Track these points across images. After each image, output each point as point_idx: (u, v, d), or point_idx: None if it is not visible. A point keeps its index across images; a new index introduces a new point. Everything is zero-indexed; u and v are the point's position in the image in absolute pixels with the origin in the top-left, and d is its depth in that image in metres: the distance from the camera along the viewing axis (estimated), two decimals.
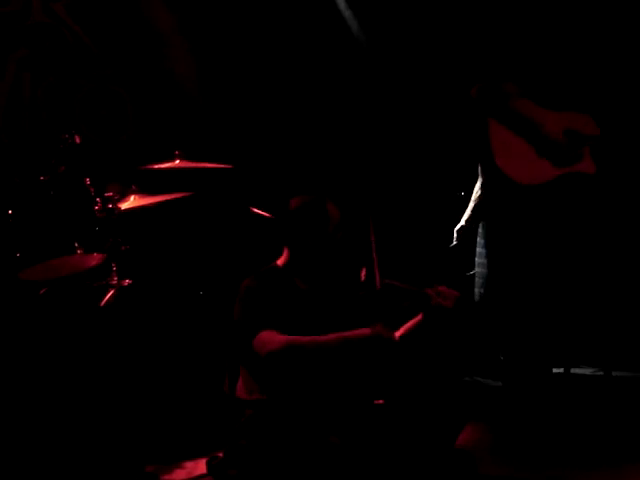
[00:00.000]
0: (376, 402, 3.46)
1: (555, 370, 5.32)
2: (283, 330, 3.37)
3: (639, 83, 5.19)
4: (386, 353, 3.40)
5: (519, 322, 5.05)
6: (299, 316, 3.47)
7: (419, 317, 3.58)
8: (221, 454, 3.52)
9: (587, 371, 5.61)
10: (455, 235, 5.20)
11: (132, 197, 4.72)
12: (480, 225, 5.07)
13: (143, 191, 4.77)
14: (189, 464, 4.31)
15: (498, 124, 4.95)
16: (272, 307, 3.43)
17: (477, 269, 5.05)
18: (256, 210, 4.88)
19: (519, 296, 5.07)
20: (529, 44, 5.14)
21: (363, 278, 3.63)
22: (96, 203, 4.49)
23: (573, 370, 5.48)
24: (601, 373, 5.42)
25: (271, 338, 3.34)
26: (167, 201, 4.77)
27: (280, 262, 3.63)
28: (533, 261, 5.05)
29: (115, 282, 4.38)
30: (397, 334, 3.67)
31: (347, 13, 5.93)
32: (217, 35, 5.91)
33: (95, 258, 4.36)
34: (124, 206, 4.60)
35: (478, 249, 5.07)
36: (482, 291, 5.01)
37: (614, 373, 5.40)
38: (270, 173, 5.82)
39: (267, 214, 4.85)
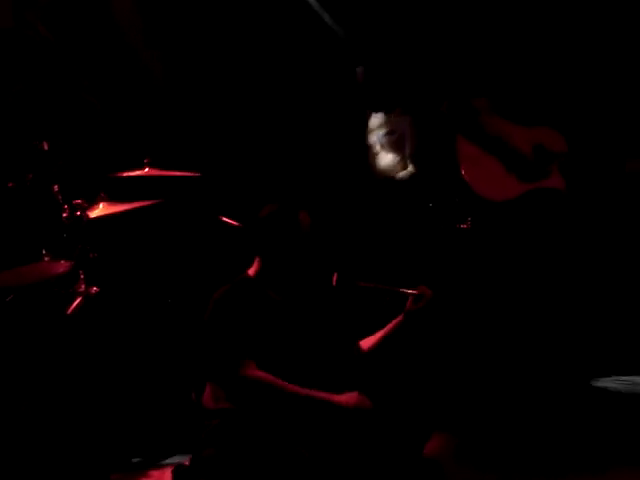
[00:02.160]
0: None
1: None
2: (259, 348, 3.36)
3: (608, 100, 5.26)
4: (362, 424, 3.38)
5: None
6: (274, 329, 3.46)
7: (397, 320, 3.63)
8: (187, 463, 3.51)
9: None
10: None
11: (101, 204, 4.71)
12: None
13: (112, 199, 4.76)
14: (155, 472, 4.30)
15: (466, 140, 5.00)
16: (246, 326, 3.40)
17: None
18: (225, 218, 4.88)
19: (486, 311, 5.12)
20: (500, 60, 5.20)
21: (335, 283, 3.65)
22: (64, 210, 4.48)
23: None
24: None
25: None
26: (136, 209, 4.76)
27: (252, 272, 3.61)
28: (501, 274, 5.10)
29: (82, 289, 4.37)
30: (367, 344, 3.70)
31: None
32: (186, 38, 5.88)
33: (62, 265, 4.34)
34: (93, 214, 4.59)
35: None
36: None
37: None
38: (239, 181, 5.81)
39: (236, 222, 4.86)
